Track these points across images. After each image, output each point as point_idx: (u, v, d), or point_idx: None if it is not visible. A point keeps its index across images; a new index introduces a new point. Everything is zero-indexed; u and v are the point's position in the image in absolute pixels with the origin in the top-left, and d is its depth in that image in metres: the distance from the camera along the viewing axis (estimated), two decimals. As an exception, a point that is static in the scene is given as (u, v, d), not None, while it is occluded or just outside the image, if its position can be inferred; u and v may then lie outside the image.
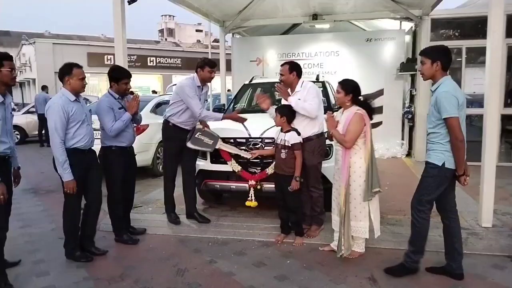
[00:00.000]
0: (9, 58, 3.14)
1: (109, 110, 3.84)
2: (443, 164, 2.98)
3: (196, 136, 4.39)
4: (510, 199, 5.35)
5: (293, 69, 4.07)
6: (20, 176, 3.56)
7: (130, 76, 4.00)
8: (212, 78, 4.48)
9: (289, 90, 4.10)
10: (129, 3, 4.94)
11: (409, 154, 8.73)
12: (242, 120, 4.44)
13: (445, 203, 3.17)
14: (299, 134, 3.89)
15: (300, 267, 3.46)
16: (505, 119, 7.45)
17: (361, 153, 3.42)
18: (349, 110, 3.48)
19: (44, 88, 12.84)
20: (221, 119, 4.40)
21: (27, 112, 13.43)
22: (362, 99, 3.55)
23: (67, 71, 3.49)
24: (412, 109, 8.45)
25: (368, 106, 3.55)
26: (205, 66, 4.38)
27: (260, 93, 5.09)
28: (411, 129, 8.67)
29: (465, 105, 3.00)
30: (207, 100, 4.62)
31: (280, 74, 4.16)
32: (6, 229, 3.24)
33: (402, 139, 8.96)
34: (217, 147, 4.38)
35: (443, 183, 3.03)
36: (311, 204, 4.15)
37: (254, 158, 4.37)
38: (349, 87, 3.49)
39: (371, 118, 3.50)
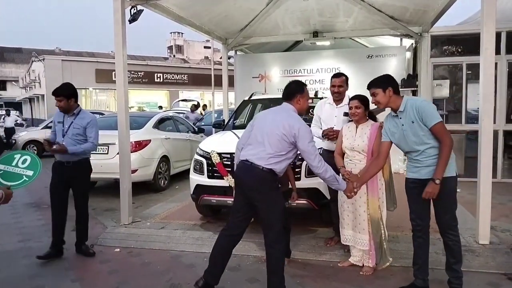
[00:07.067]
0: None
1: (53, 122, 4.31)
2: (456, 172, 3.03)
3: None
4: (510, 216, 5.28)
5: (347, 79, 4.05)
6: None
7: (59, 95, 4.01)
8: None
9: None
10: (130, 22, 5.06)
11: (411, 170, 8.67)
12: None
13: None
14: None
15: (293, 283, 3.46)
16: (508, 135, 7.42)
17: None
18: (367, 124, 3.55)
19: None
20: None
21: (46, 127, 13.34)
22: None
23: (299, 90, 3.21)
24: (414, 125, 8.43)
25: (376, 120, 3.67)
26: None
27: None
28: (413, 144, 8.63)
29: None
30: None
31: (338, 86, 3.96)
32: None
33: (404, 154, 8.90)
34: None
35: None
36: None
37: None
38: (366, 101, 3.53)
39: None
